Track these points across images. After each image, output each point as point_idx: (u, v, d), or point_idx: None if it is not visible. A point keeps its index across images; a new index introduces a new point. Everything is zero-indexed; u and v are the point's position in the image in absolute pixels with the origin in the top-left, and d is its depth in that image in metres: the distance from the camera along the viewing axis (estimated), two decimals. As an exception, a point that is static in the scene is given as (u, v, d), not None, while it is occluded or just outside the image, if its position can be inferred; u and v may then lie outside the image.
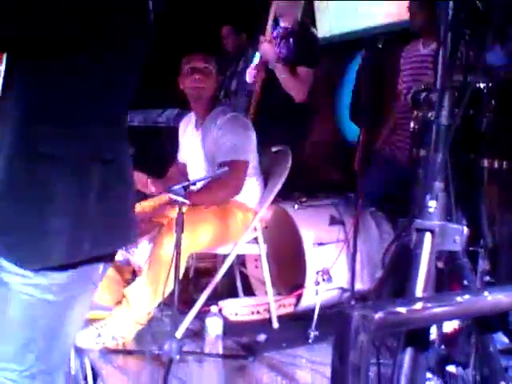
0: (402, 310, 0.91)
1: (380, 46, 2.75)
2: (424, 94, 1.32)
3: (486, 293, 1.02)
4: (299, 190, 3.08)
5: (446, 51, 1.31)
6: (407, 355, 1.17)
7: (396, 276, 1.37)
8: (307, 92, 3.15)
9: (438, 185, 1.29)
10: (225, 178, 2.36)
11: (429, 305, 0.95)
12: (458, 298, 0.99)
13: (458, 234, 1.27)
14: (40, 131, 1.06)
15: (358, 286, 2.61)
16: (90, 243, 1.10)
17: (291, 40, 3.17)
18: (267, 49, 3.07)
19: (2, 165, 1.06)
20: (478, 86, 2.10)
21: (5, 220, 1.06)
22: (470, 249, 2.14)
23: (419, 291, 1.20)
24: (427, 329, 1.25)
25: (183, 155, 2.76)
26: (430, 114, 1.30)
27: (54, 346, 1.14)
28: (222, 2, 4.05)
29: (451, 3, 1.34)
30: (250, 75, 3.30)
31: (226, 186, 2.43)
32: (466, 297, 0.99)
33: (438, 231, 1.26)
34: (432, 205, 1.28)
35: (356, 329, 0.85)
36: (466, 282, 1.26)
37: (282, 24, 3.23)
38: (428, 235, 1.26)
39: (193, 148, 2.65)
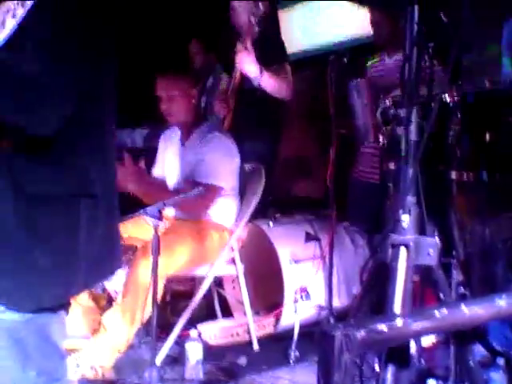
0: (384, 327, 0.91)
1: (345, 59, 2.80)
2: (392, 110, 1.35)
3: (462, 306, 1.03)
4: (273, 206, 3.09)
5: (412, 67, 1.35)
6: (389, 373, 1.18)
7: (374, 292, 1.38)
8: (292, 88, 3.08)
9: (410, 199, 1.31)
10: (196, 198, 2.35)
11: (409, 321, 0.95)
12: (436, 313, 1.00)
13: (432, 247, 1.30)
14: (28, 171, 1.06)
15: (336, 303, 2.62)
16: (81, 280, 1.12)
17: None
18: (245, 59, 2.86)
19: None
20: (443, 98, 2.16)
21: None
22: (443, 260, 2.17)
23: (398, 307, 1.22)
24: (407, 345, 1.26)
25: (160, 170, 2.73)
26: (398, 130, 1.32)
27: (49, 356, 1.15)
28: (187, 20, 4.07)
29: (416, 18, 1.37)
30: (218, 108, 3.27)
31: (195, 206, 2.45)
32: (444, 311, 1.00)
33: (413, 245, 1.28)
34: (405, 219, 1.30)
35: (339, 349, 0.85)
36: (442, 296, 1.28)
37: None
38: (403, 250, 1.28)
39: (171, 161, 2.64)
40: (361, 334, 0.88)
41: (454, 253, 2.22)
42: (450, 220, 2.10)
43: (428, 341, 2.26)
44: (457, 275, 2.22)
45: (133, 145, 4.00)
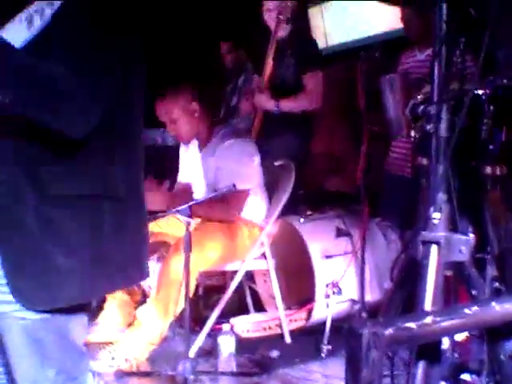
0: (412, 325, 0.92)
1: (377, 54, 2.77)
2: (422, 107, 1.34)
3: (493, 303, 1.03)
4: (303, 201, 3.10)
5: (441, 63, 1.33)
6: (420, 369, 1.18)
7: (405, 289, 1.38)
8: (320, 97, 3.15)
9: (441, 196, 1.30)
10: (225, 203, 2.41)
11: (438, 319, 0.96)
12: (467, 311, 1.00)
13: (464, 244, 1.29)
14: (52, 173, 1.06)
15: (368, 298, 2.62)
16: (104, 282, 1.12)
17: (289, 51, 3.17)
18: (259, 99, 3.07)
19: (12, 207, 1.06)
20: (476, 92, 2.13)
21: (16, 262, 1.07)
22: (477, 256, 2.14)
23: (428, 304, 1.21)
24: (438, 341, 1.26)
25: (185, 176, 2.77)
26: (428, 127, 1.32)
27: (67, 356, 1.16)
28: (219, 19, 4.09)
29: (445, 14, 1.36)
30: (244, 107, 3.34)
31: (224, 211, 2.46)
32: (475, 308, 1.00)
33: (444, 242, 1.27)
34: (436, 216, 1.30)
35: (367, 346, 0.87)
36: (474, 292, 1.28)
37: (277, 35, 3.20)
38: (434, 247, 1.27)
39: (194, 168, 2.67)
40: (389, 331, 0.89)
41: (488, 248, 2.19)
42: (485, 215, 2.07)
43: (462, 335, 2.24)
44: (491, 271, 2.19)
45: (163, 143, 4.07)
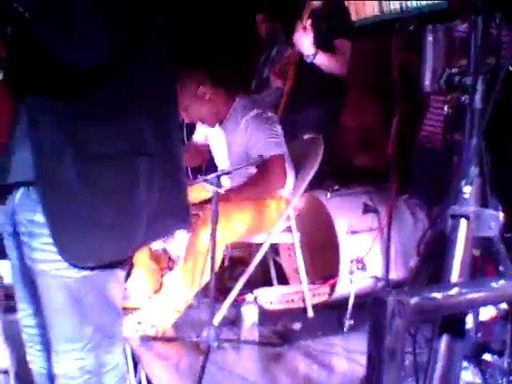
0: (438, 295, 0.92)
1: (412, 28, 2.70)
2: (458, 77, 1.31)
3: (522, 278, 1.01)
4: (331, 176, 3.08)
5: (478, 34, 1.30)
6: (443, 343, 1.18)
7: (431, 263, 1.37)
8: (347, 65, 3.10)
9: (473, 170, 1.28)
10: (266, 174, 2.42)
11: (464, 290, 0.95)
12: (493, 284, 0.99)
13: (494, 220, 1.27)
14: (89, 132, 1.10)
15: (393, 275, 2.60)
16: (141, 234, 1.16)
17: (322, 21, 3.11)
18: (303, 39, 2.95)
19: (53, 167, 1.10)
20: (509, 68, 2.07)
21: (61, 220, 1.11)
22: (507, 235, 2.11)
23: (455, 277, 1.21)
24: (463, 316, 1.25)
25: (201, 137, 2.81)
26: (463, 98, 1.29)
27: (105, 314, 1.21)
28: None
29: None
30: (273, 79, 3.30)
31: (269, 181, 2.46)
32: (501, 282, 0.99)
33: (473, 217, 1.26)
34: (467, 190, 1.28)
35: (391, 313, 0.87)
36: (501, 268, 1.26)
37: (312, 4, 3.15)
38: (463, 221, 1.26)
39: (216, 143, 2.68)
40: (414, 300, 0.88)
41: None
42: (513, 194, 2.03)
43: (486, 315, 2.22)
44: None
45: None
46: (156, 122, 1.18)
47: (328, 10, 3.12)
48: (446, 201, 1.30)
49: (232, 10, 4.12)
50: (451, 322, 1.19)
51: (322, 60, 3.00)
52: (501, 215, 2.28)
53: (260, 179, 2.47)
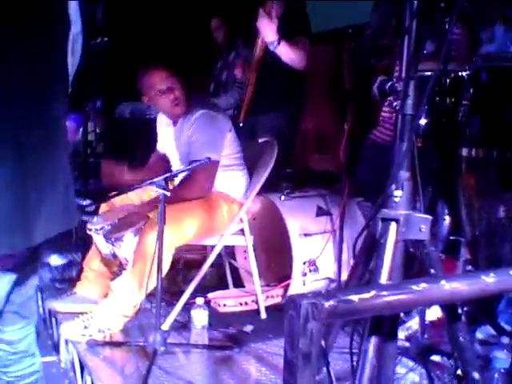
0: (354, 298, 0.92)
1: (367, 32, 2.74)
2: (389, 83, 1.32)
3: (443, 281, 1.03)
4: (288, 180, 3.09)
5: (411, 40, 1.32)
6: (371, 343, 1.19)
7: (365, 265, 1.38)
8: (305, 61, 3.11)
9: (404, 174, 1.30)
10: (193, 178, 2.39)
11: (383, 293, 0.96)
12: (414, 287, 1.00)
13: (424, 223, 1.29)
14: None
15: (345, 277, 2.63)
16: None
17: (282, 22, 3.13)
18: (266, 26, 2.94)
19: None
20: (459, 74, 2.12)
21: None
22: (452, 238, 2.15)
23: (383, 280, 1.22)
24: (393, 317, 1.27)
25: (162, 148, 2.79)
26: (395, 104, 1.31)
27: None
28: None
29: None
30: (238, 71, 3.29)
31: (194, 186, 2.43)
32: (423, 285, 1.00)
33: (403, 220, 1.27)
34: (397, 194, 1.30)
35: (305, 316, 0.87)
36: (432, 271, 1.28)
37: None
38: (393, 225, 1.27)
39: (169, 143, 2.67)
40: (329, 303, 0.89)
41: (462, 231, 2.20)
42: (459, 198, 2.07)
43: (433, 315, 2.26)
44: (465, 253, 2.20)
45: (132, 116, 4.06)
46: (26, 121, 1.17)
47: (286, 19, 3.15)
48: (377, 204, 1.31)
49: (186, 15, 4.12)
50: (379, 322, 1.20)
51: (284, 49, 2.98)
52: (447, 219, 2.33)
53: (184, 185, 2.45)
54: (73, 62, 1.37)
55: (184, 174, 2.43)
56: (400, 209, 1.29)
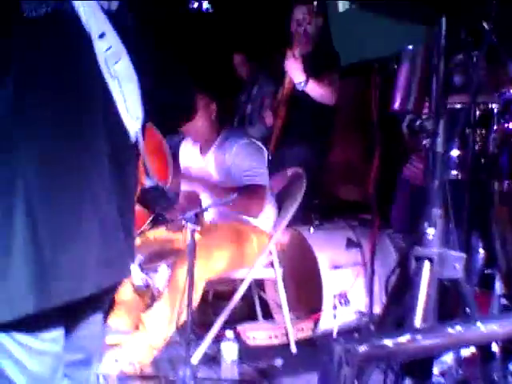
0: (388, 342, 0.91)
1: (396, 66, 2.74)
2: (419, 122, 1.33)
3: (479, 323, 1.01)
4: (316, 211, 3.08)
5: (440, 77, 1.32)
6: (406, 382, 1.17)
7: (399, 305, 1.37)
8: (336, 95, 3.15)
9: (436, 211, 1.29)
10: (247, 202, 2.44)
11: (418, 337, 0.95)
12: (450, 330, 0.99)
13: (458, 261, 1.27)
14: None
15: (377, 310, 2.59)
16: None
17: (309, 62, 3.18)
18: (293, 66, 3.02)
19: None
20: (489, 106, 2.10)
21: None
22: (486, 271, 2.11)
23: (418, 321, 1.20)
24: (427, 358, 1.24)
25: (187, 185, 2.80)
26: (425, 142, 1.31)
27: None
28: (231, 32, 4.13)
29: (443, 29, 1.35)
30: (267, 118, 3.35)
31: (247, 206, 2.49)
32: (458, 328, 0.99)
33: (437, 259, 1.26)
34: (430, 232, 1.28)
35: (339, 362, 0.86)
36: (467, 311, 1.26)
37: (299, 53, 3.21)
38: (427, 263, 1.26)
39: (199, 173, 2.70)
40: (363, 348, 0.88)
41: (496, 264, 2.15)
42: (492, 231, 2.04)
43: (468, 351, 2.19)
44: (499, 287, 2.15)
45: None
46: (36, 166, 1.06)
47: (315, 54, 3.21)
48: (411, 242, 1.30)
49: (210, 51, 4.20)
50: (413, 364, 1.18)
51: (312, 87, 3.04)
52: (481, 252, 2.28)
53: (239, 203, 2.45)
54: (120, 86, 1.17)
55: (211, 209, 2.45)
56: (433, 246, 1.28)
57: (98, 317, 1.32)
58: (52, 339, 1.17)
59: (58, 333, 1.18)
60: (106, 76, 1.15)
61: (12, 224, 1.04)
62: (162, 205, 1.43)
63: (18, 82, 1.05)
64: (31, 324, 1.11)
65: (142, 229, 2.60)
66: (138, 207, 1.33)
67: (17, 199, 1.04)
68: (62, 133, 1.09)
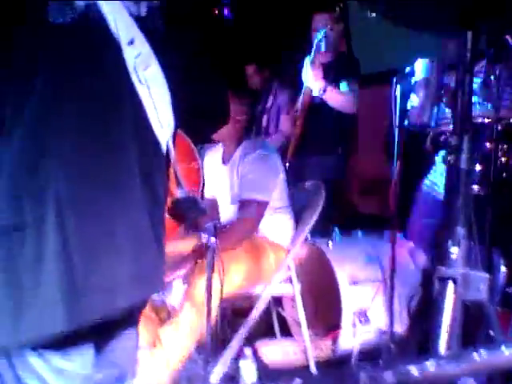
0: (413, 369, 0.88)
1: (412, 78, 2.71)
2: (443, 137, 1.30)
3: (503, 347, 0.97)
4: (336, 223, 3.04)
5: (465, 93, 1.29)
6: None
7: (422, 326, 1.33)
8: (355, 105, 3.13)
9: (460, 230, 1.25)
10: (239, 219, 2.40)
11: (442, 364, 0.91)
12: (475, 356, 0.95)
13: (482, 282, 1.23)
14: None
15: (397, 328, 2.52)
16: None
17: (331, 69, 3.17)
18: (312, 74, 3.01)
19: None
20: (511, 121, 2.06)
21: None
22: (508, 290, 2.05)
23: (443, 345, 1.16)
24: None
25: (210, 190, 2.79)
26: (449, 158, 1.27)
27: None
28: (243, 42, 4.13)
29: (469, 44, 1.32)
30: (286, 125, 3.33)
31: (240, 228, 2.44)
32: (483, 354, 0.95)
33: (461, 280, 1.22)
34: (454, 251, 1.25)
35: (363, 391, 0.83)
36: (491, 333, 1.21)
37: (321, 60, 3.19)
38: (450, 284, 1.22)
39: (220, 183, 2.68)
40: (387, 375, 0.85)
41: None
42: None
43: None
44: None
45: None
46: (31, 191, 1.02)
47: (336, 64, 3.19)
48: (433, 262, 1.26)
49: (221, 63, 4.21)
50: None
51: (332, 95, 3.04)
52: (503, 269, 2.22)
53: (230, 229, 2.45)
54: (150, 93, 1.14)
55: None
56: (457, 266, 1.24)
57: (130, 331, 1.28)
58: (82, 360, 1.14)
59: (88, 353, 1.15)
60: (136, 83, 1.12)
61: (42, 238, 1.01)
62: (193, 215, 1.39)
63: (45, 91, 1.03)
64: (61, 343, 1.08)
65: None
66: (167, 217, 1.30)
67: (48, 212, 1.02)
68: (92, 144, 1.07)
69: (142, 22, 1.14)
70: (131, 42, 1.11)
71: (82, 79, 1.06)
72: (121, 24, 1.10)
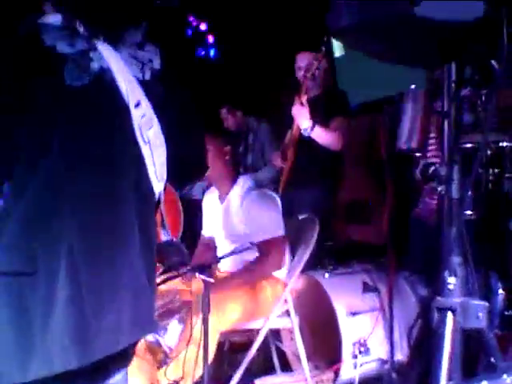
0: (417, 406, 0.87)
1: (400, 105, 2.75)
2: (433, 168, 1.31)
3: (505, 375, 0.96)
4: (330, 254, 3.04)
5: (451, 123, 1.31)
6: None
7: (423, 357, 1.32)
8: (343, 140, 3.16)
9: (456, 259, 1.26)
10: (265, 256, 2.41)
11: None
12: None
13: (481, 310, 1.23)
14: None
15: (398, 357, 2.50)
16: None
17: (319, 104, 3.21)
18: (300, 113, 3.05)
19: None
20: (500, 144, 2.08)
21: None
22: (507, 313, 2.04)
23: (444, 377, 1.15)
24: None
25: (209, 229, 2.79)
26: (440, 188, 1.28)
27: None
28: (214, 85, 4.19)
29: (453, 74, 1.34)
30: (276, 160, 3.37)
31: (268, 264, 2.45)
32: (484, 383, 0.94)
33: (460, 309, 1.22)
34: (451, 281, 1.25)
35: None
36: (492, 360, 1.20)
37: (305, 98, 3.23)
38: (449, 314, 1.22)
39: (217, 222, 2.68)
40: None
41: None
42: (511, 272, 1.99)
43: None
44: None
45: (188, 195, 4.11)
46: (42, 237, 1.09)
47: (323, 98, 3.23)
48: (431, 292, 1.26)
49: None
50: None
51: (318, 134, 3.07)
52: (500, 293, 2.22)
53: (258, 262, 2.44)
54: (151, 151, 1.22)
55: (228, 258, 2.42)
56: (455, 296, 1.24)
57: (121, 374, 1.31)
58: None
59: None
60: (140, 142, 1.21)
61: (55, 285, 1.07)
62: (176, 259, 1.47)
63: (61, 153, 1.09)
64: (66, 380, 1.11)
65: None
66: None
67: (61, 262, 1.08)
68: (100, 198, 1.15)
69: (145, 86, 1.23)
70: (138, 104, 1.19)
71: (94, 141, 1.14)
72: (129, 87, 1.19)
